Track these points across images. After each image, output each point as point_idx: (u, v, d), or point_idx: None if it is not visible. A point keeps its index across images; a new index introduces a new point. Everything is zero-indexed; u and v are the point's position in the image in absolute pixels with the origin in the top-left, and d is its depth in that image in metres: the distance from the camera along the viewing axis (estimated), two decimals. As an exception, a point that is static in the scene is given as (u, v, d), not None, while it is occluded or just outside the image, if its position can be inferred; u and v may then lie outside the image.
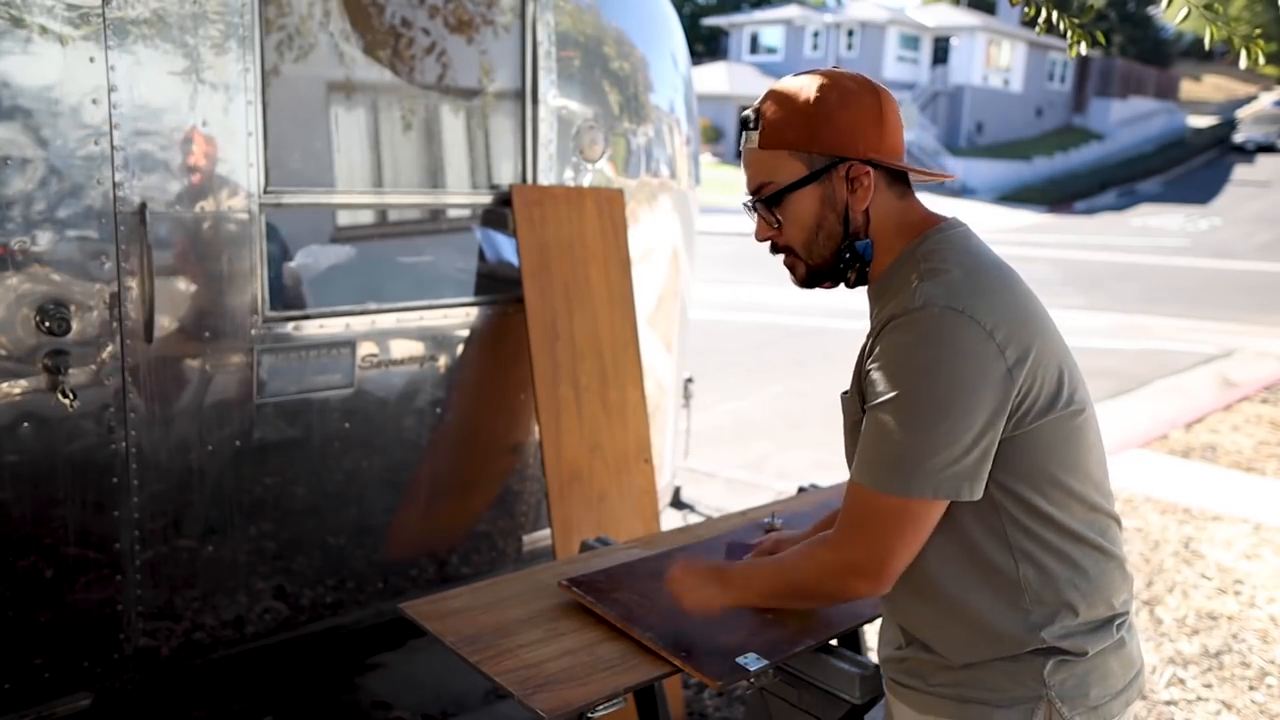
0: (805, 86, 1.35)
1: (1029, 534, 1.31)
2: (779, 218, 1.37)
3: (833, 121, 1.32)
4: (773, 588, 1.47)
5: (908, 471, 1.24)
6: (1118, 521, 1.40)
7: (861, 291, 1.45)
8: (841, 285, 1.42)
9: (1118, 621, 1.37)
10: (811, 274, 1.41)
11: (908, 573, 1.34)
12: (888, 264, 1.37)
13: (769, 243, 1.42)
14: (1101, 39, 2.03)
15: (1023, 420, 1.27)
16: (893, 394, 1.25)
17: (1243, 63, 1.88)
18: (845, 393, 1.42)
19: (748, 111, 1.39)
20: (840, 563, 1.34)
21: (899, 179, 1.38)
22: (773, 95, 1.37)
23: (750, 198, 1.40)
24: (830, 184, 1.34)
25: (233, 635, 2.65)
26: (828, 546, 1.36)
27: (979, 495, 1.27)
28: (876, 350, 1.29)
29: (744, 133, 1.39)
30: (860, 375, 1.35)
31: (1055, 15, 1.96)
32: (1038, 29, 2.00)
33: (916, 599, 1.38)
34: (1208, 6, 1.79)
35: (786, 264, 1.42)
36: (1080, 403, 1.32)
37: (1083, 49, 2.01)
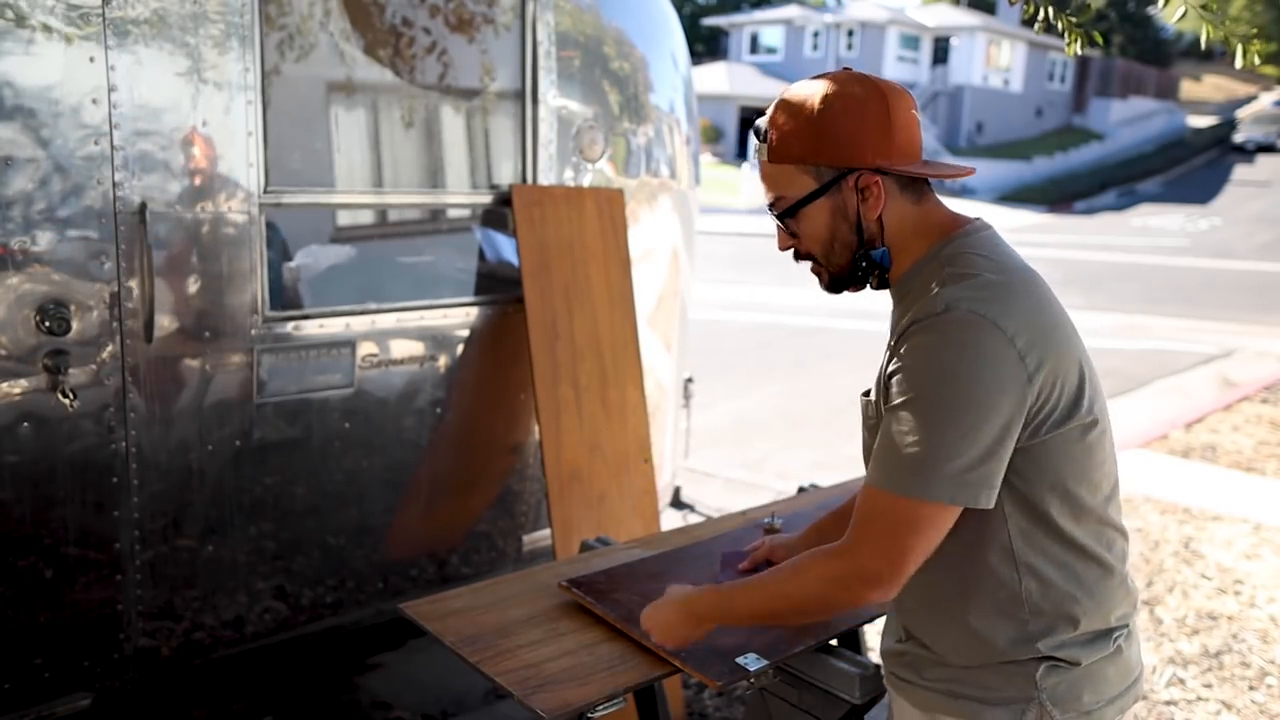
0: (810, 97, 1.32)
1: (1034, 546, 1.30)
2: (794, 230, 1.38)
3: (838, 132, 1.31)
4: (759, 608, 1.42)
5: (926, 474, 1.22)
6: (1125, 536, 1.39)
7: (870, 292, 1.45)
8: (867, 289, 1.42)
9: (1115, 635, 1.36)
10: (834, 280, 1.42)
11: (917, 574, 1.32)
12: (908, 266, 1.36)
13: (791, 251, 1.43)
14: (1099, 38, 2.04)
15: (1039, 430, 1.26)
16: (911, 395, 1.24)
17: (1239, 63, 1.88)
18: (865, 394, 1.41)
19: (760, 122, 1.38)
20: (851, 571, 1.28)
21: (915, 182, 1.36)
22: (780, 106, 1.35)
23: (769, 208, 1.41)
24: (840, 195, 1.33)
25: (233, 635, 2.65)
26: (835, 556, 1.31)
27: (991, 504, 1.26)
28: (899, 353, 1.27)
29: (756, 143, 1.39)
30: (881, 378, 1.34)
31: (1053, 14, 1.96)
32: (1036, 28, 2.00)
33: (915, 601, 1.39)
34: (1204, 6, 1.79)
35: (813, 270, 1.43)
36: (1097, 415, 1.31)
37: (1080, 48, 2.01)
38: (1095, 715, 1.34)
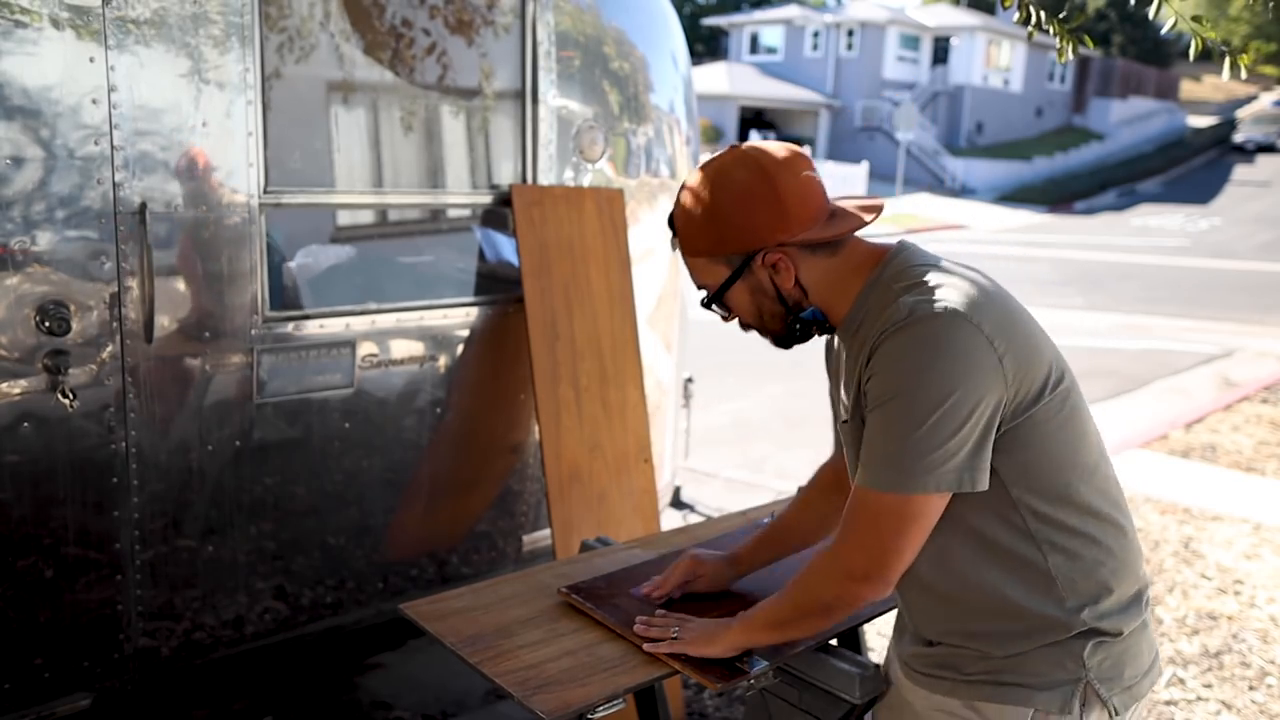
0: (700, 194, 1.41)
1: (1049, 521, 1.34)
2: (726, 312, 1.48)
3: (732, 224, 1.39)
4: (779, 615, 1.47)
5: (906, 468, 1.27)
6: (1121, 491, 1.44)
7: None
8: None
9: (1145, 597, 1.42)
10: (779, 342, 1.50)
11: (938, 580, 1.38)
12: (850, 306, 1.41)
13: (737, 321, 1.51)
14: (1090, 42, 2.04)
15: (1020, 408, 1.30)
16: (887, 398, 1.28)
17: (1225, 74, 1.89)
18: (844, 422, 1.45)
19: (671, 214, 1.47)
20: (841, 568, 1.35)
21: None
22: (679, 204, 1.44)
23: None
24: (754, 275, 1.41)
25: (233, 635, 2.65)
26: (828, 554, 1.38)
27: (982, 486, 1.29)
28: (870, 365, 1.32)
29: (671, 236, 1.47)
30: (856, 398, 1.37)
31: (1045, 19, 1.96)
32: (1028, 32, 2.00)
33: (952, 605, 1.40)
34: (1195, 18, 1.80)
35: (760, 334, 1.51)
36: (1067, 378, 1.36)
37: (1072, 52, 2.01)
38: (1135, 689, 1.38)
